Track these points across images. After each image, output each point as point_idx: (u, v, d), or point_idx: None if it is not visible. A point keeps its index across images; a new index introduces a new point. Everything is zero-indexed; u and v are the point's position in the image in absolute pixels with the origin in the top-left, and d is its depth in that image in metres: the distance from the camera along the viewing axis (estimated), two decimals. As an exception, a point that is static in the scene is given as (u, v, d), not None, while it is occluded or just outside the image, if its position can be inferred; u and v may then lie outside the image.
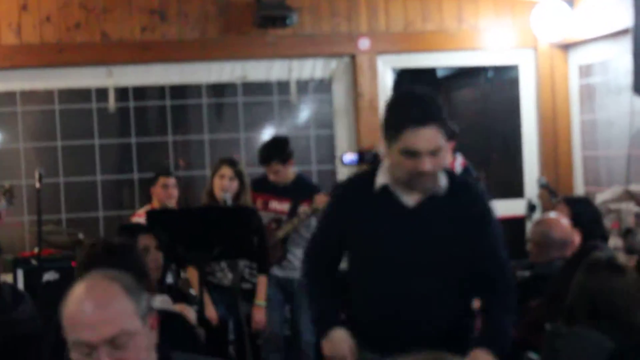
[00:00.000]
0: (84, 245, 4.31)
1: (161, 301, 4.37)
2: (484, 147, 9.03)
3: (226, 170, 6.48)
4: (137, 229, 5.04)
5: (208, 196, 6.55)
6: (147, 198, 7.81)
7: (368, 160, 5.71)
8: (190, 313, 4.80)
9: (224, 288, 6.51)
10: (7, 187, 6.96)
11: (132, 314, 2.58)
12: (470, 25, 8.57)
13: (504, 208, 8.21)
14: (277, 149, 7.07)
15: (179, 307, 4.68)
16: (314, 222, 6.85)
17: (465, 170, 7.12)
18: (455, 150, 7.22)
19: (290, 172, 7.11)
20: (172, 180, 7.54)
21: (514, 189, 8.71)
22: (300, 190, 7.06)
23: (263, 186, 7.11)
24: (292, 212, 6.98)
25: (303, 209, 6.90)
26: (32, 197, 7.64)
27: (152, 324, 2.68)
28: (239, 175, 6.50)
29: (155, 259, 4.60)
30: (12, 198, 6.97)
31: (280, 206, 7.07)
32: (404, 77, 8.83)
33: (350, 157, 6.09)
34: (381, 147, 5.31)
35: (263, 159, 7.07)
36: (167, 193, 7.45)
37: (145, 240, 4.57)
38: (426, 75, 9.12)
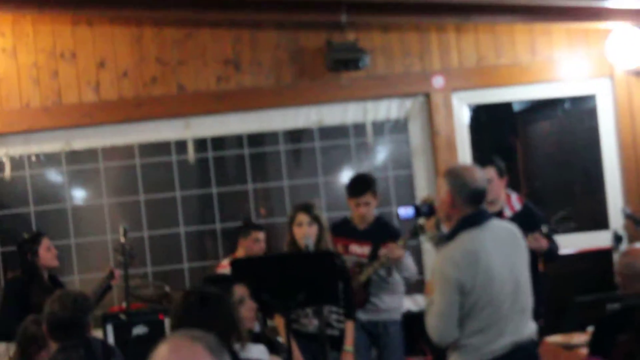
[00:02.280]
0: (176, 296, 4.35)
1: (260, 351, 4.37)
2: (565, 179, 8.92)
3: (303, 217, 6.41)
4: (231, 279, 5.03)
5: (291, 246, 6.50)
6: (230, 248, 7.83)
7: (424, 213, 5.58)
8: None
9: (310, 335, 6.46)
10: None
11: None
12: (544, 56, 8.52)
13: (589, 241, 8.12)
14: (371, 181, 7.11)
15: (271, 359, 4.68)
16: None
17: (525, 206, 6.98)
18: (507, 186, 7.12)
19: (373, 211, 7.10)
20: (263, 234, 7.57)
21: (599, 221, 8.58)
22: (381, 232, 7.02)
23: (343, 230, 7.09)
24: (373, 255, 6.95)
25: (384, 252, 6.86)
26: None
27: None
28: (316, 219, 6.45)
29: (251, 308, 4.60)
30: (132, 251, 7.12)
31: (361, 250, 7.03)
32: (480, 113, 8.80)
33: (405, 211, 5.89)
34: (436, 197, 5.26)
35: (358, 190, 7.03)
36: (259, 246, 7.50)
37: (241, 290, 4.59)
38: (502, 110, 9.06)
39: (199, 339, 2.61)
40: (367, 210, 7.02)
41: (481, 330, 4.92)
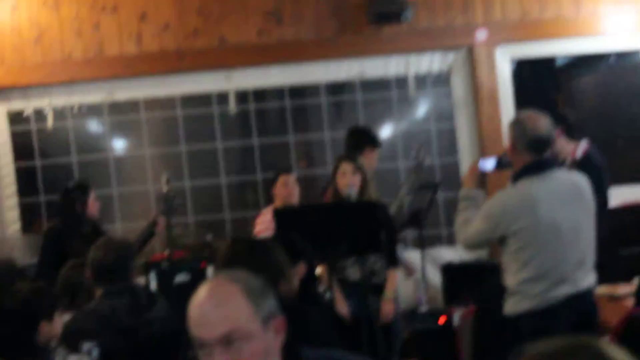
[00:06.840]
0: (221, 244, 4.35)
1: None
2: (608, 134, 8.84)
3: (346, 167, 6.38)
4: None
5: (334, 196, 6.48)
6: (269, 199, 7.82)
7: (506, 163, 5.52)
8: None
9: (353, 283, 6.41)
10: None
11: (249, 315, 2.54)
12: (589, 10, 8.40)
13: (631, 194, 8.05)
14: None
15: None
16: None
17: (586, 156, 6.93)
18: (566, 134, 7.02)
19: None
20: (292, 178, 7.39)
21: (643, 175, 8.52)
22: None
23: None
24: None
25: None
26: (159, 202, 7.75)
27: (278, 327, 2.62)
28: (359, 169, 6.43)
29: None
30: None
31: None
32: (523, 67, 8.72)
33: (489, 163, 5.70)
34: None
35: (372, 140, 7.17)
36: (288, 190, 7.31)
37: (300, 269, 4.57)
38: (545, 64, 8.98)
39: (238, 280, 2.61)
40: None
41: (535, 278, 4.95)
